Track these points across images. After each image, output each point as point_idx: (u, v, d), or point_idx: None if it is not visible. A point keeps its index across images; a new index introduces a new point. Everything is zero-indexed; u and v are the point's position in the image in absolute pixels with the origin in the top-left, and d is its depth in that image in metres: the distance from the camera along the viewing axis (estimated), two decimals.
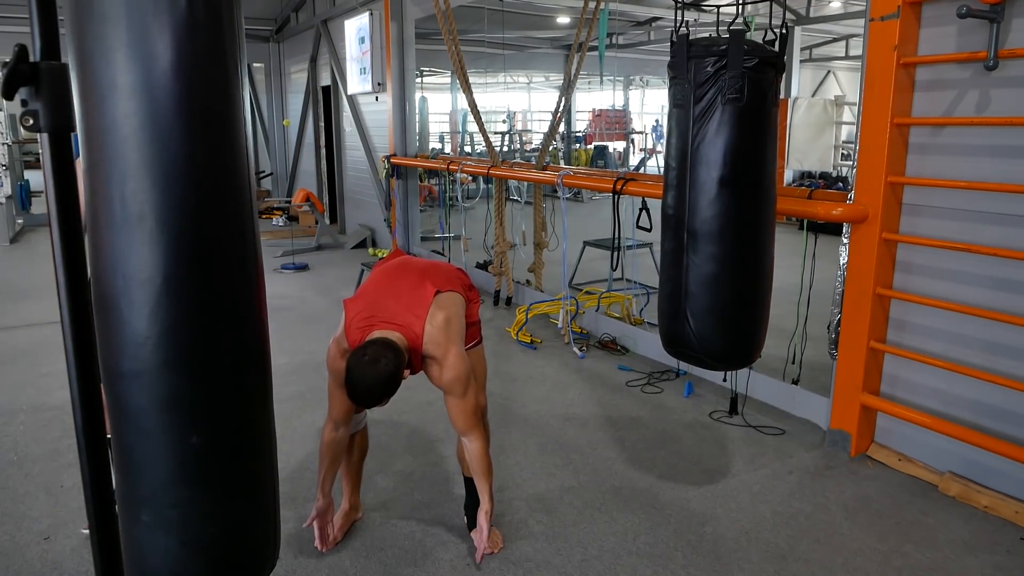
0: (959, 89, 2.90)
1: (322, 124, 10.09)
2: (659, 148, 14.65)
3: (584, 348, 4.88)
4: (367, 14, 7.64)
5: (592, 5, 5.50)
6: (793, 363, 3.90)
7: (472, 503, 2.75)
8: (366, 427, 2.79)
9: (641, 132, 16.77)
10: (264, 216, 11.01)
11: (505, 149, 14.28)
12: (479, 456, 2.51)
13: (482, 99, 11.63)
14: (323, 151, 10.19)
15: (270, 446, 1.49)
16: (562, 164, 13.36)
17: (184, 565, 1.38)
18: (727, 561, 2.60)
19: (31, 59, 0.94)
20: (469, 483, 2.76)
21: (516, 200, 6.61)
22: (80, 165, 1.19)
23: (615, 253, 5.45)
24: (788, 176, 10.58)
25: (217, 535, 1.39)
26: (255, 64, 12.32)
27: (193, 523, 1.36)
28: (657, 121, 16.54)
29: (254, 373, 1.42)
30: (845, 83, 16.62)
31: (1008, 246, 2.78)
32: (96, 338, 1.11)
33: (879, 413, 3.35)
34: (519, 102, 19.43)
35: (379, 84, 7.71)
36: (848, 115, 10.64)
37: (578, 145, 16.07)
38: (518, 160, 11.85)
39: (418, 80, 14.51)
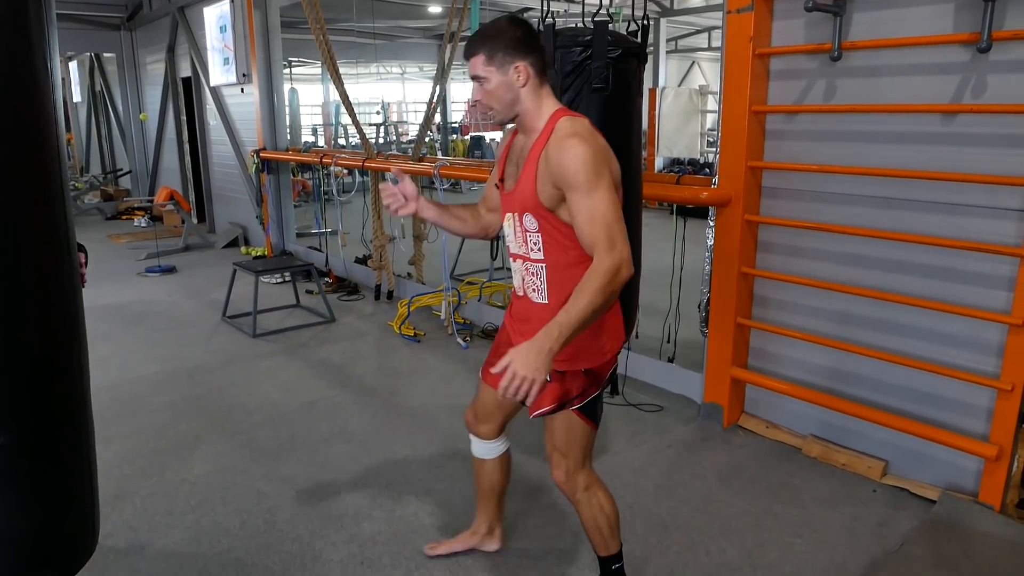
0: (808, 78, 3.10)
1: (184, 118, 9.58)
2: None
3: (468, 338, 4.90)
4: (227, 1, 7.30)
5: None
6: (668, 342, 4.06)
7: None
8: (509, 451, 2.44)
9: None
10: (124, 217, 10.36)
11: (380, 141, 14.07)
12: (595, 271, 1.73)
13: (355, 90, 11.36)
14: (187, 146, 9.68)
15: (85, 444, 1.53)
16: (439, 155, 13.31)
17: None
18: None
19: None
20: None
21: None
22: None
23: (494, 242, 5.47)
24: (659, 163, 10.99)
25: (28, 532, 1.42)
26: (106, 54, 11.55)
27: (2, 522, 1.39)
28: None
29: (65, 373, 1.44)
30: (709, 73, 17.39)
31: (855, 224, 3.00)
32: None
33: (747, 385, 3.55)
34: (393, 93, 19.18)
35: (244, 75, 7.40)
36: (712, 104, 11.17)
37: (455, 136, 16.05)
38: (394, 152, 11.71)
39: (287, 71, 14.06)
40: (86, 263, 2.25)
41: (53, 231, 1.34)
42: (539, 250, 1.94)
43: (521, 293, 2.06)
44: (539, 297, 1.99)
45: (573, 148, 1.78)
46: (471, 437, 2.42)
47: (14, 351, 1.31)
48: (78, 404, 1.49)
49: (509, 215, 2.00)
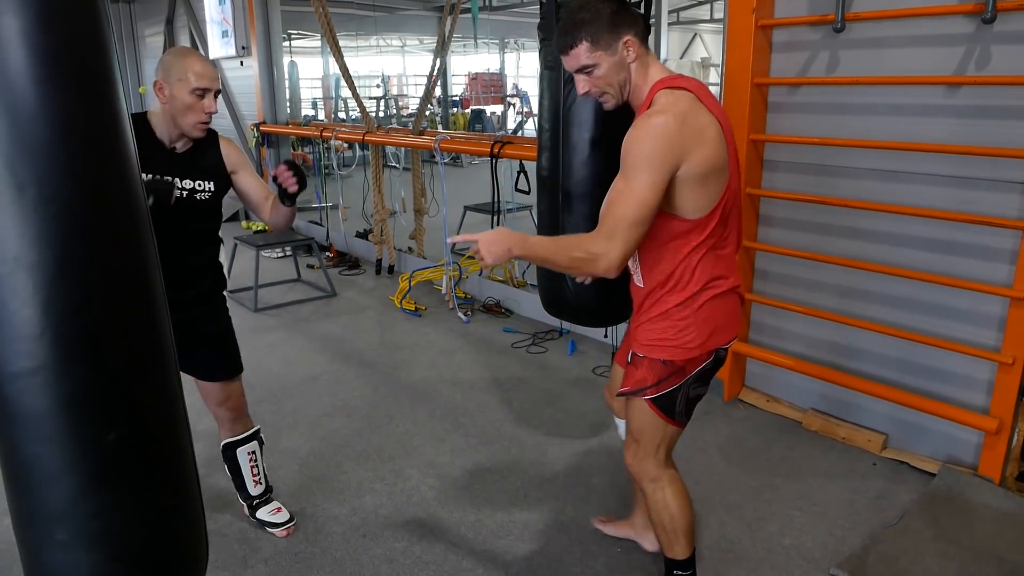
0: (811, 50, 3.06)
1: None
2: (535, 111, 14.70)
3: (469, 312, 4.90)
4: None
5: None
6: None
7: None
8: None
9: (516, 95, 16.83)
10: None
11: (381, 114, 13.98)
12: (584, 241, 1.74)
13: (355, 63, 11.25)
14: None
15: (188, 436, 1.37)
16: (440, 129, 13.22)
17: None
18: (613, 509, 2.70)
19: None
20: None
21: (394, 166, 6.48)
22: None
23: (495, 216, 5.45)
24: None
25: (148, 541, 1.25)
26: None
27: (120, 532, 1.21)
28: (515, 85, 16.71)
29: (164, 357, 1.29)
30: (711, 45, 17.21)
31: (857, 197, 2.98)
32: None
33: (748, 359, 3.55)
34: (394, 66, 19.03)
35: (243, 48, 7.34)
36: (714, 76, 11.08)
37: (455, 109, 15.94)
38: (394, 125, 11.63)
39: (287, 44, 13.92)
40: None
41: (136, 215, 1.23)
42: None
43: (633, 277, 1.98)
44: (638, 280, 1.93)
45: (641, 128, 1.70)
46: (616, 420, 2.36)
47: (122, 337, 1.19)
48: (178, 397, 1.33)
49: None
